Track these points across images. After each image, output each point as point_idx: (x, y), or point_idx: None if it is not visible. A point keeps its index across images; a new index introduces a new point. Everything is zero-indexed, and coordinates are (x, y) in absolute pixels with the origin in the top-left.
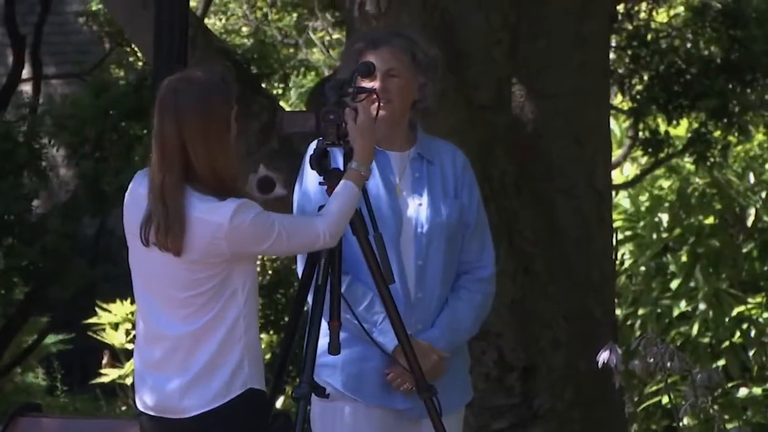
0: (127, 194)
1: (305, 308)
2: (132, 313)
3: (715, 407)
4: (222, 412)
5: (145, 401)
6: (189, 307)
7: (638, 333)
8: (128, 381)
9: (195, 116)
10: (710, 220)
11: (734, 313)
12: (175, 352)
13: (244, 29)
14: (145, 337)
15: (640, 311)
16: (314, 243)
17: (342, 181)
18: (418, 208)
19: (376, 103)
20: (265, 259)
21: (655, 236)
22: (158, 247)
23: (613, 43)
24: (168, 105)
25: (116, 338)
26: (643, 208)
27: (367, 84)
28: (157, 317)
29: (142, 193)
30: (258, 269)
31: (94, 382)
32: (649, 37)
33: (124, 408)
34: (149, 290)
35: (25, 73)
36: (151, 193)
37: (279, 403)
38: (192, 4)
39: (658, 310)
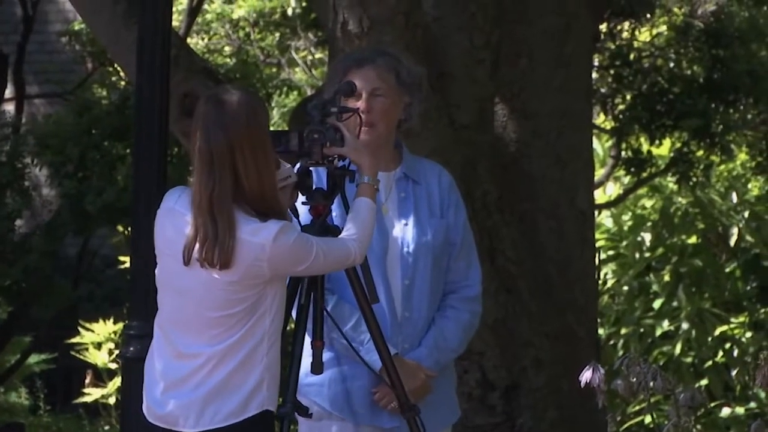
0: (159, 212)
1: (288, 328)
2: (115, 333)
3: (698, 427)
4: (234, 431)
5: (156, 412)
6: (219, 327)
7: (621, 352)
8: (111, 400)
9: (244, 127)
10: (693, 240)
11: (717, 332)
12: (198, 370)
13: (227, 49)
14: (164, 355)
15: (623, 330)
16: (346, 261)
17: (358, 199)
18: (404, 227)
19: (361, 123)
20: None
21: (637, 256)
22: (203, 263)
23: (596, 63)
24: (215, 116)
25: (99, 358)
26: (625, 228)
27: (352, 103)
28: (183, 336)
29: (180, 211)
30: None
31: (77, 401)
32: (631, 56)
33: (107, 428)
34: (179, 309)
35: (8, 92)
36: (197, 208)
37: None
38: (174, 23)
39: (641, 330)
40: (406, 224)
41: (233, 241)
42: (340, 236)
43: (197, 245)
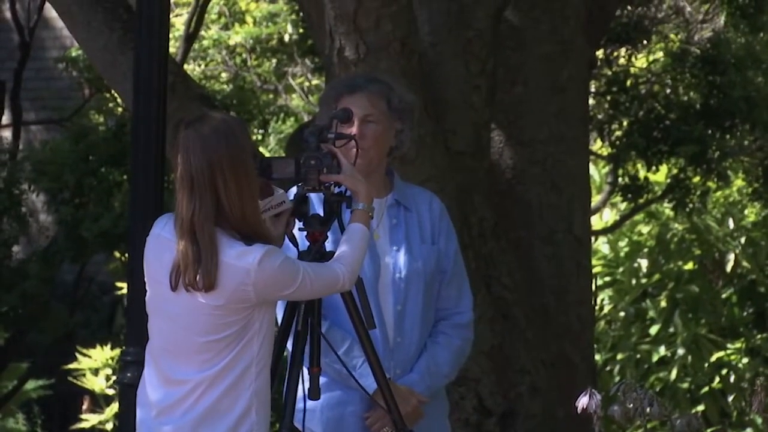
0: (148, 239)
1: (285, 354)
2: (112, 359)
3: None
4: None
5: None
6: (207, 352)
7: (617, 378)
8: (108, 426)
9: (223, 149)
10: (689, 266)
11: (713, 358)
12: (187, 396)
13: (224, 75)
14: (154, 381)
15: (619, 356)
16: (334, 286)
17: (351, 224)
18: (395, 254)
19: (355, 149)
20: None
21: (634, 282)
22: (187, 287)
23: (593, 89)
24: (194, 140)
25: (96, 384)
26: (622, 254)
27: (345, 129)
28: (172, 362)
29: (166, 237)
30: None
31: (74, 427)
32: (628, 82)
33: None
34: (169, 335)
35: (5, 119)
36: (179, 232)
37: None
38: (171, 49)
39: (637, 356)
40: (397, 250)
41: (216, 263)
42: (330, 261)
43: (181, 269)
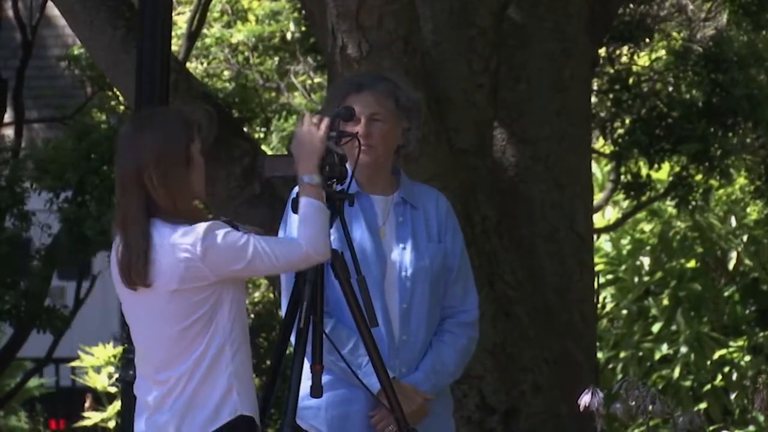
0: (113, 245)
1: (287, 351)
2: (114, 356)
3: None
4: None
5: None
6: (182, 341)
7: (620, 376)
8: (111, 424)
9: (149, 148)
10: (692, 264)
11: (716, 356)
12: (171, 390)
13: (226, 73)
14: (143, 385)
15: (622, 354)
16: (300, 256)
17: (301, 200)
18: (402, 252)
19: (359, 148)
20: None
21: (636, 280)
22: (126, 285)
23: (595, 87)
24: (125, 139)
25: (99, 381)
26: (624, 252)
27: (351, 127)
28: (154, 363)
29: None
30: None
31: (77, 425)
32: (630, 80)
33: None
34: (144, 336)
35: (7, 117)
36: (117, 230)
37: None
38: (174, 48)
39: (640, 354)
40: (404, 248)
41: (147, 259)
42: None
43: (123, 268)
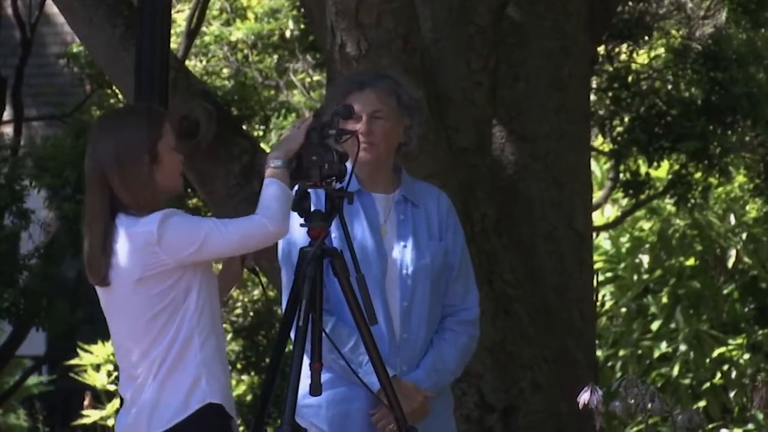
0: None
1: (286, 349)
2: (113, 355)
3: None
4: (180, 429)
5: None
6: (150, 332)
7: (619, 374)
8: (110, 422)
9: (109, 148)
10: (691, 262)
11: (715, 354)
12: (143, 382)
13: (225, 71)
14: (122, 376)
15: (621, 352)
16: (260, 233)
17: (265, 180)
18: (402, 249)
19: (358, 145)
20: (246, 300)
21: (635, 278)
22: (93, 281)
23: (594, 85)
24: (91, 139)
25: (98, 379)
26: (623, 250)
27: (350, 125)
28: (129, 358)
29: None
30: (239, 311)
31: (76, 423)
32: (629, 78)
33: None
34: (119, 331)
35: (6, 114)
36: (84, 228)
37: None
38: (173, 45)
39: (639, 352)
40: (405, 246)
41: (107, 257)
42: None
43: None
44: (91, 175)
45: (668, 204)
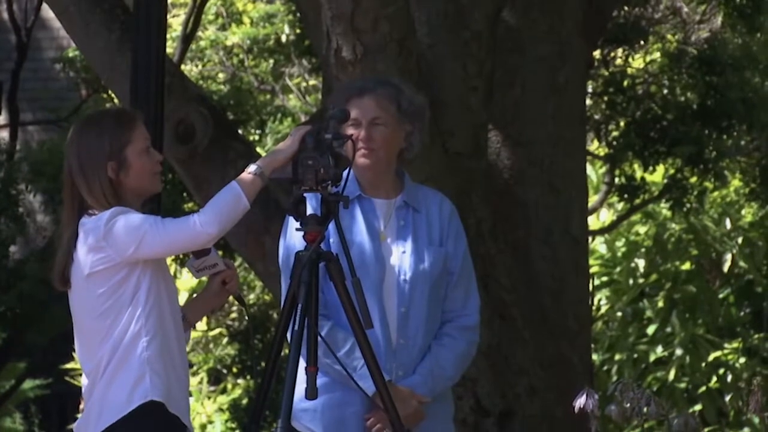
0: None
1: (282, 353)
2: None
3: None
4: (121, 425)
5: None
6: (100, 331)
7: (615, 378)
8: None
9: (75, 155)
10: (687, 266)
11: (711, 358)
12: (94, 380)
13: (221, 75)
14: (84, 378)
15: (617, 357)
16: (191, 232)
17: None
18: (401, 255)
19: (354, 150)
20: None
21: (631, 282)
22: (57, 285)
23: (589, 90)
24: (66, 144)
25: None
26: (619, 254)
27: (352, 131)
28: (85, 356)
29: None
30: (234, 315)
31: (71, 426)
32: (625, 83)
33: None
34: (79, 331)
35: (2, 119)
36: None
37: None
38: (168, 50)
39: (635, 356)
40: (403, 252)
41: (68, 259)
42: None
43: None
44: (64, 181)
45: (664, 208)
